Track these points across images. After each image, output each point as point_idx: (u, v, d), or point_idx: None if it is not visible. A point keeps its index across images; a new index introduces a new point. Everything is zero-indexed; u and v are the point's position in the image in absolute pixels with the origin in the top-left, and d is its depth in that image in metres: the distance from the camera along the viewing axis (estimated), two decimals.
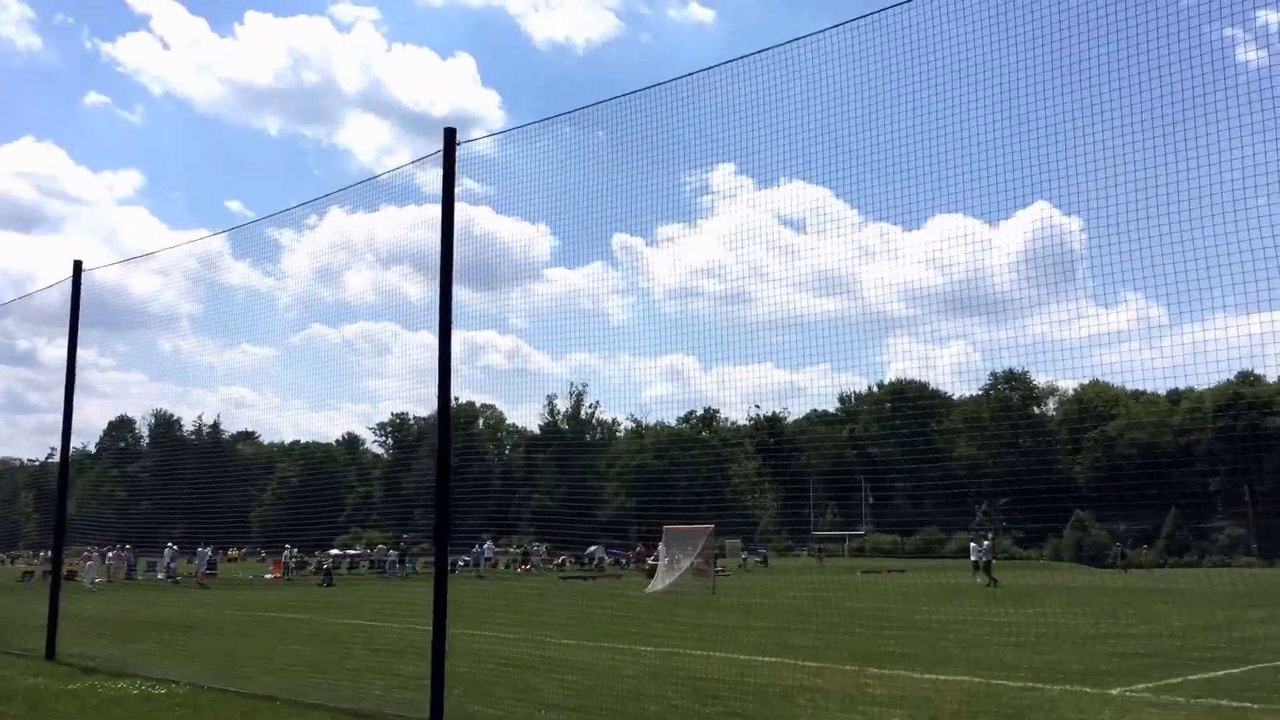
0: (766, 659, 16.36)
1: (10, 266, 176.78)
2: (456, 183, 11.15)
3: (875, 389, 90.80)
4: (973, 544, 47.41)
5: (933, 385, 78.96)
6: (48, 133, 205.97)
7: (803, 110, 9.86)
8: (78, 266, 17.12)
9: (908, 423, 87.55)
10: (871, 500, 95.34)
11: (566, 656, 16.28)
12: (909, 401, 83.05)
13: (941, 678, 14.45)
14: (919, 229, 10.41)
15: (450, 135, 11.32)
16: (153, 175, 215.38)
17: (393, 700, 12.13)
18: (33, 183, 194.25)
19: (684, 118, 10.59)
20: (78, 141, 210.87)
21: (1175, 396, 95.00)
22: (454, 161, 11.31)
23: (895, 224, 10.31)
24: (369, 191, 14.68)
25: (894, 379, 79.42)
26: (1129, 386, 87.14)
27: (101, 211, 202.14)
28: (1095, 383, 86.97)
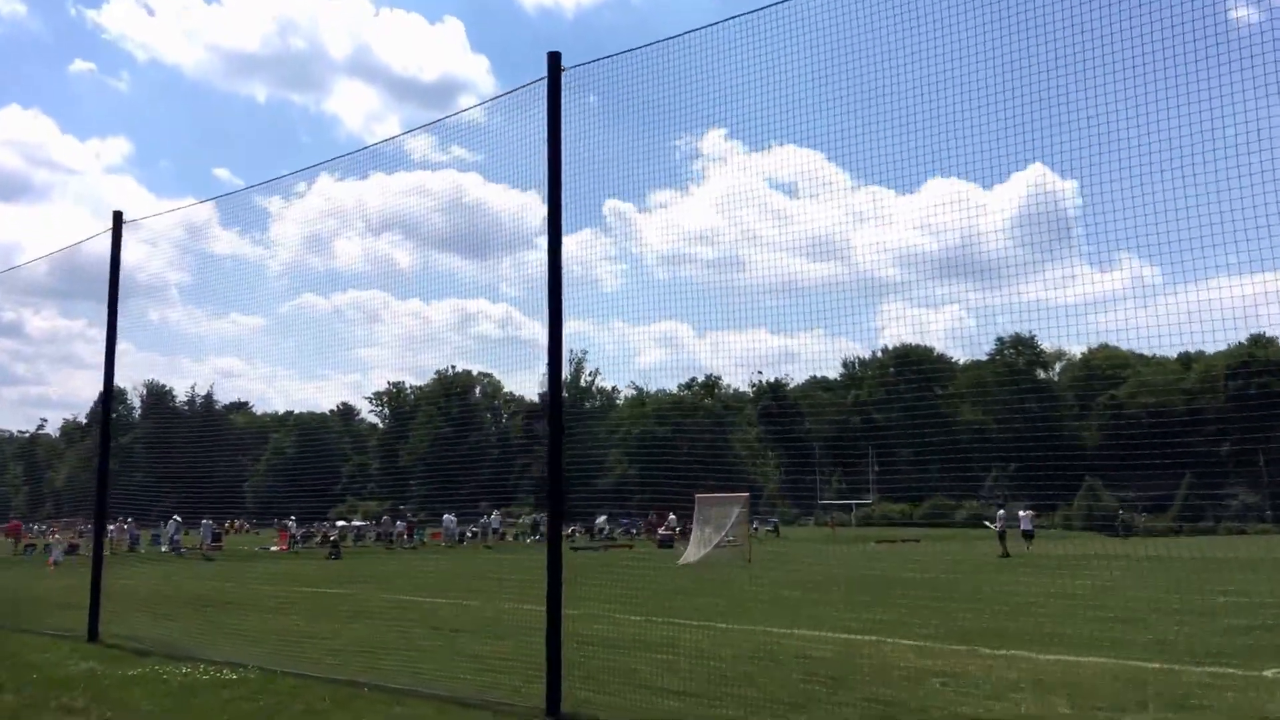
0: (864, 638, 14.91)
1: None
2: (445, 150, 11.44)
3: (879, 354, 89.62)
4: (1001, 512, 45.84)
5: (938, 350, 77.83)
6: (34, 100, 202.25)
7: (794, 72, 9.75)
8: (117, 217, 16.01)
9: (912, 389, 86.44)
10: (877, 468, 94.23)
11: (646, 635, 14.82)
12: (913, 366, 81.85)
13: (1068, 658, 13.01)
14: (912, 193, 10.21)
15: (554, 60, 10.53)
16: (140, 143, 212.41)
17: (490, 686, 10.85)
18: (20, 151, 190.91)
19: (674, 81, 10.49)
20: (64, 110, 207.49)
21: (1186, 360, 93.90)
22: (559, 89, 10.47)
23: (889, 188, 10.08)
24: (359, 158, 14.52)
25: (898, 344, 78.19)
26: (1131, 349, 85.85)
27: (89, 180, 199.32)
28: (1104, 346, 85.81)
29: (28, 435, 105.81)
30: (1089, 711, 9.69)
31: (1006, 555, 37.78)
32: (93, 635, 14.84)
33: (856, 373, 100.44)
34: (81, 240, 19.37)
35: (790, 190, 10.99)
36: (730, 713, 9.51)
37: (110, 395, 16.11)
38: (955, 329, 15.63)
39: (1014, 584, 24.36)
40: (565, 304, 10.19)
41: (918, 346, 78.51)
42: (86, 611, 15.27)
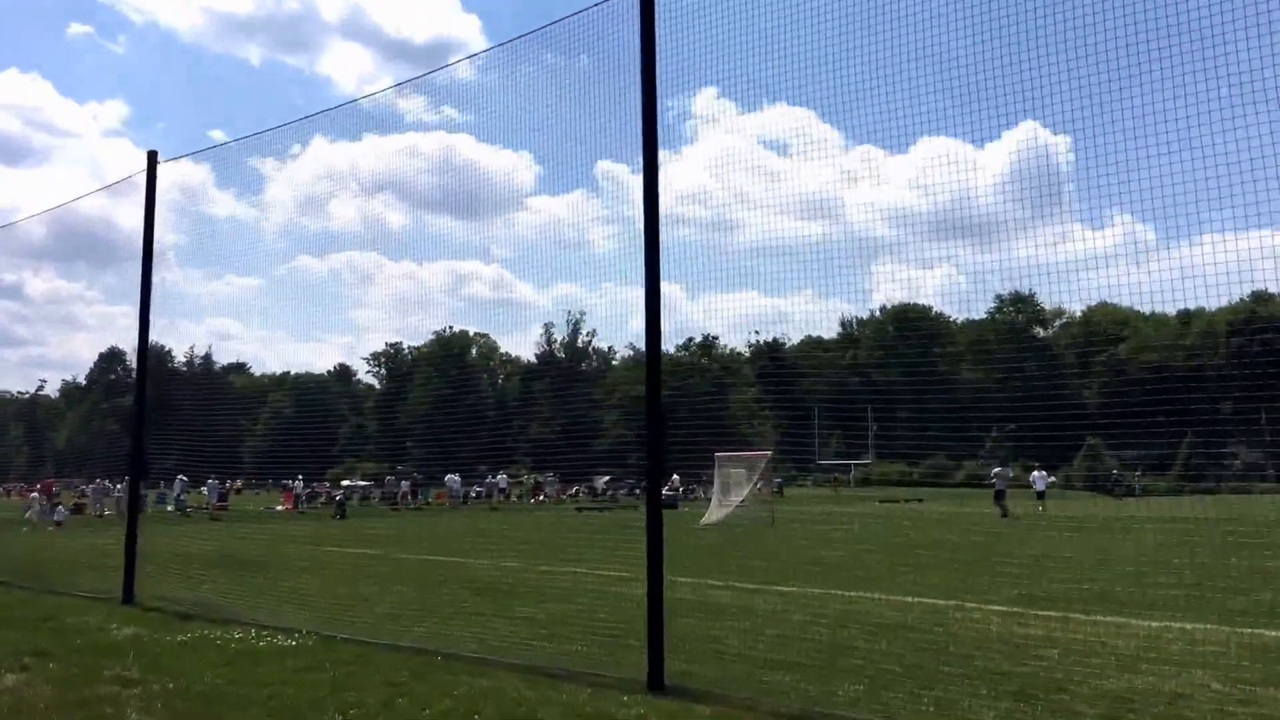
0: (943, 602, 14.14)
1: None
2: (437, 110, 11.11)
3: (877, 313, 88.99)
4: (998, 470, 45.23)
5: (936, 309, 77.16)
6: (32, 64, 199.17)
7: (785, 30, 9.60)
8: (152, 157, 15.44)
9: (912, 348, 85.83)
10: (875, 428, 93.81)
11: (712, 600, 14.08)
12: (911, 324, 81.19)
13: (1175, 625, 12.15)
14: (904, 152, 10.05)
15: None
16: (138, 106, 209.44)
17: (566, 654, 10.16)
18: (19, 115, 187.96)
19: (665, 39, 10.17)
20: (63, 73, 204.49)
21: (1185, 316, 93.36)
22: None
23: (880, 147, 9.91)
24: (353, 119, 14.53)
25: (896, 303, 77.47)
26: (1131, 306, 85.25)
27: (87, 143, 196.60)
28: (1104, 304, 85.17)
29: (28, 396, 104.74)
30: (1239, 686, 8.90)
31: (1005, 516, 37.16)
32: (128, 597, 14.00)
33: (854, 332, 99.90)
34: (118, 180, 18.63)
35: (782, 150, 10.84)
36: (850, 689, 8.69)
37: (145, 347, 15.22)
38: (947, 288, 15.20)
39: (1055, 546, 23.69)
40: (557, 265, 10.37)
41: (916, 305, 77.84)
42: (115, 572, 14.54)
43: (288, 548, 24.31)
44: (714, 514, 33.34)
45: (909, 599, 14.59)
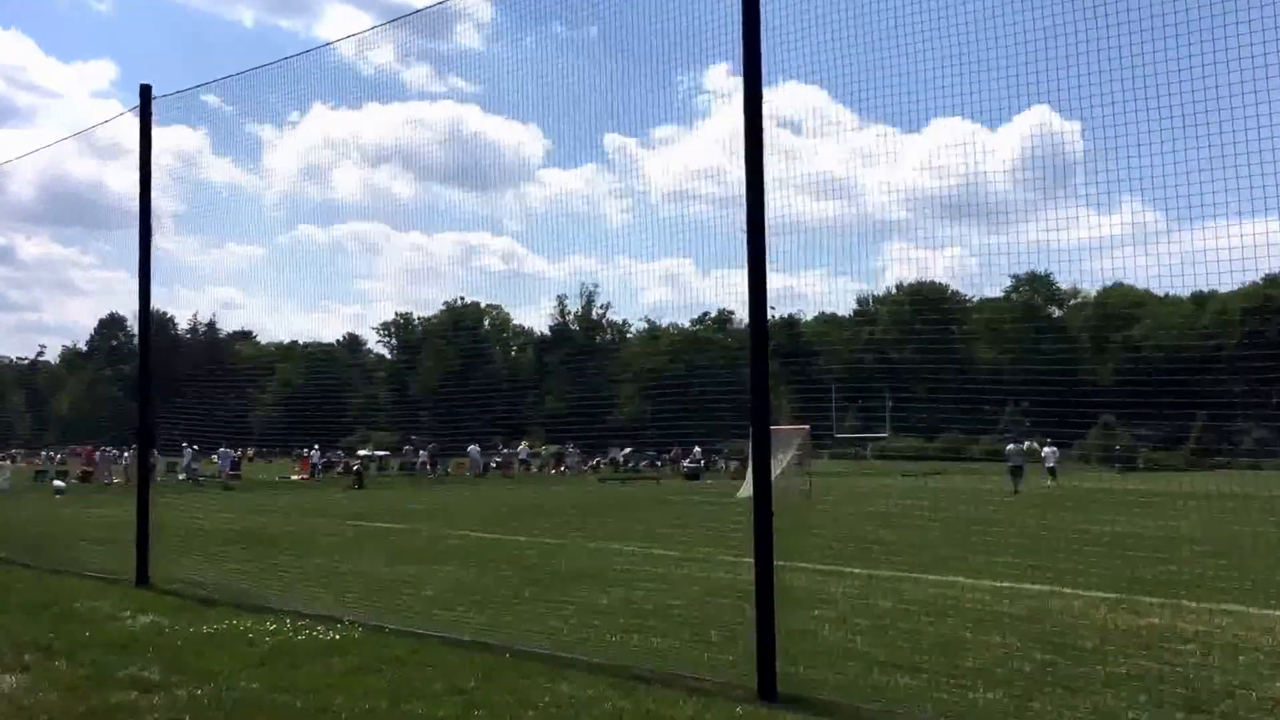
0: (1036, 587, 13.04)
1: None
2: (443, 80, 10.61)
3: (894, 291, 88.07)
4: (1011, 448, 44.38)
5: (953, 288, 76.27)
6: (13, 20, 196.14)
7: (799, 7, 9.36)
8: (145, 91, 14.29)
9: (929, 326, 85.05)
10: (891, 404, 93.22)
11: (787, 584, 12.80)
12: (929, 303, 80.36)
13: None
14: (917, 132, 10.17)
15: None
16: (126, 67, 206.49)
17: (651, 653, 9.00)
18: (1, 75, 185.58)
19: (677, 13, 10.22)
20: (46, 31, 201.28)
21: (1200, 299, 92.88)
22: None
23: (893, 126, 9.77)
24: (353, 88, 14.60)
25: (912, 281, 76.69)
26: (1146, 289, 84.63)
27: (74, 104, 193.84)
28: (1119, 285, 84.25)
29: (27, 362, 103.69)
30: None
31: (1017, 492, 36.63)
32: (142, 578, 12.80)
33: (870, 310, 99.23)
34: (109, 119, 17.81)
35: (795, 128, 10.71)
36: (989, 696, 7.51)
37: (148, 302, 13.98)
38: (958, 270, 14.90)
39: (1107, 523, 22.41)
40: (569, 239, 9.49)
41: (932, 284, 76.83)
42: (127, 549, 13.38)
43: (312, 521, 23.09)
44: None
45: (996, 583, 13.40)
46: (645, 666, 8.24)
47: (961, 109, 8.93)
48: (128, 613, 10.75)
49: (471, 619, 10.48)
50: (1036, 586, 12.99)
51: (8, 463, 43.58)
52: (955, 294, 76.97)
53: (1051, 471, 43.88)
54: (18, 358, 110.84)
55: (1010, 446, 43.97)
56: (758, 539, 7.94)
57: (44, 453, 57.64)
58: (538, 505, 27.62)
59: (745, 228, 8.29)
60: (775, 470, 29.24)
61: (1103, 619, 10.78)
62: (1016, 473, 39.25)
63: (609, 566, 15.39)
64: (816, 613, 10.97)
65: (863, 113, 10.01)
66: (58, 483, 40.45)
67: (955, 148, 9.10)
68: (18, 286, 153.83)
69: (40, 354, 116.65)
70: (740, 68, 8.39)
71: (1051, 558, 15.78)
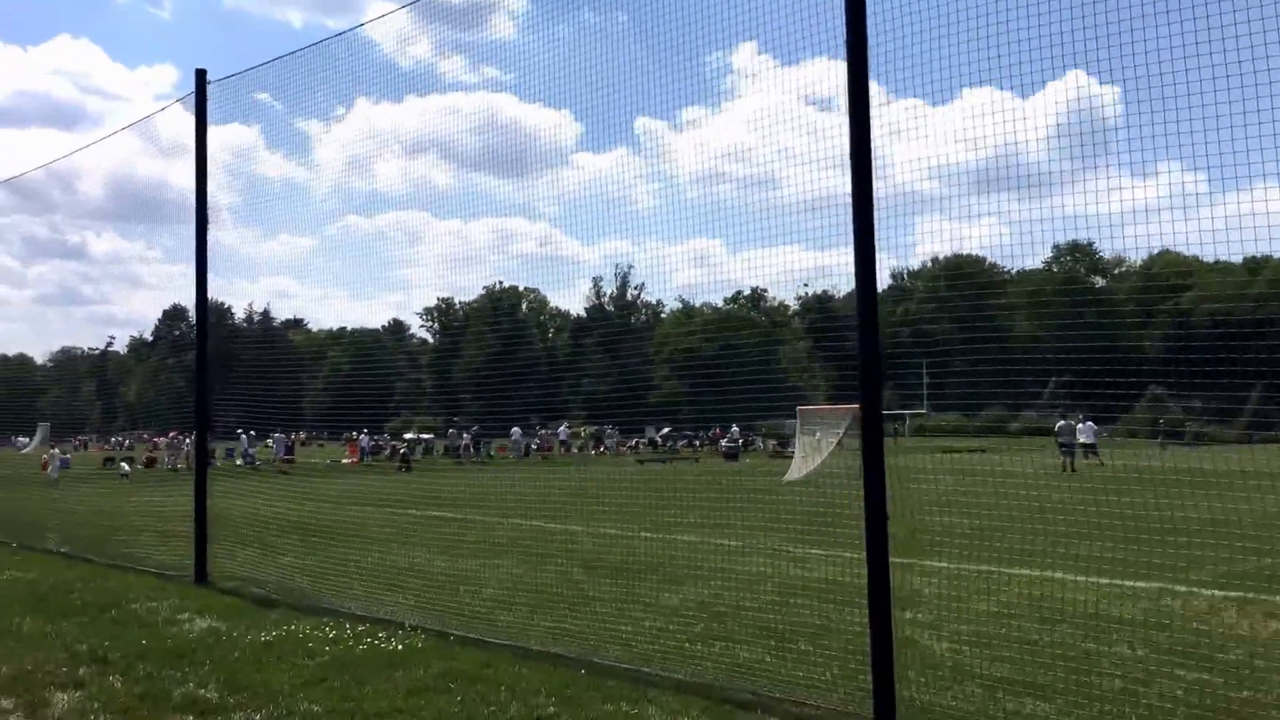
0: (1139, 584, 12.46)
1: (55, 165, 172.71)
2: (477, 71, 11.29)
3: (929, 264, 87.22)
4: (1061, 424, 43.37)
5: (990, 260, 75.51)
6: (82, 29, 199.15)
7: None
8: (201, 76, 15.07)
9: (966, 300, 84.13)
10: (928, 380, 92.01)
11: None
12: (966, 277, 79.43)
13: None
14: (947, 104, 9.91)
15: None
16: (186, 70, 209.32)
17: (739, 670, 8.59)
18: (71, 80, 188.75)
19: None
20: (112, 38, 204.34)
21: (1254, 265, 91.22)
22: None
23: (923, 99, 9.73)
24: (393, 82, 15.67)
25: (949, 254, 75.95)
26: (1194, 255, 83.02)
27: (140, 107, 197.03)
28: (1165, 252, 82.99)
29: (98, 351, 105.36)
30: None
31: (1073, 470, 36.42)
32: (200, 576, 12.92)
33: (906, 284, 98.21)
34: (164, 107, 18.92)
35: (824, 105, 10.56)
36: None
37: (204, 288, 14.35)
38: (993, 243, 14.54)
39: (1190, 507, 21.39)
40: (603, 222, 10.05)
41: (970, 256, 75.93)
42: (185, 541, 13.51)
43: (363, 511, 22.91)
44: (797, 470, 31.72)
45: (1097, 580, 12.50)
46: (738, 687, 7.89)
47: (993, 78, 8.80)
48: (185, 616, 10.80)
49: (537, 623, 10.27)
50: (1143, 584, 12.31)
51: (56, 450, 45.41)
52: (993, 265, 76.33)
53: (1091, 449, 42.22)
54: (89, 348, 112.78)
55: (1061, 423, 42.97)
56: (870, 541, 7.42)
57: (113, 439, 59.12)
58: (584, 489, 27.32)
59: (851, 201, 8.45)
60: (817, 455, 28.89)
61: (1236, 623, 10.25)
62: (1068, 449, 38.37)
63: (670, 558, 15.11)
64: (909, 615, 10.53)
65: (891, 87, 9.89)
66: (124, 466, 44.05)
67: (987, 118, 8.84)
68: (89, 281, 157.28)
69: (109, 345, 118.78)
70: (843, 51, 8.55)
71: (1145, 547, 15.09)
